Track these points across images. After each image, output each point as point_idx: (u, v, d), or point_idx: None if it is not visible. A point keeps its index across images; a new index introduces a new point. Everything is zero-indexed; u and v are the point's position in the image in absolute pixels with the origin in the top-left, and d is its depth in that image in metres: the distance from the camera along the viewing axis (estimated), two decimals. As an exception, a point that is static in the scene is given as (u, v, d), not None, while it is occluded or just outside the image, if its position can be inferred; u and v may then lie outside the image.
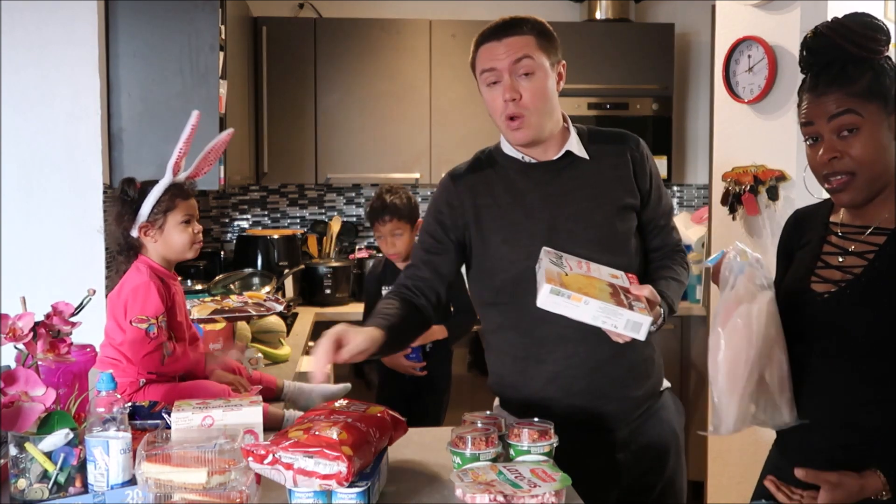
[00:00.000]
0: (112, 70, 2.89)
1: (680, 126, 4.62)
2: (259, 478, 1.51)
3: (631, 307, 1.64)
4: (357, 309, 3.79)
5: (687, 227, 4.21)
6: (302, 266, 4.06)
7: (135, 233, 2.07)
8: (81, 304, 1.79)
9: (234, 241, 4.29)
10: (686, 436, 2.08)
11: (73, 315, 1.72)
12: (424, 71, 4.19)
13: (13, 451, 1.49)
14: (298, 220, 4.54)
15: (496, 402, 2.03)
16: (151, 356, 2.00)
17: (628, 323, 1.62)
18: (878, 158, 1.49)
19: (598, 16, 4.34)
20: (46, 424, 1.53)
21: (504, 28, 1.82)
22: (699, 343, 3.99)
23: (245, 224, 4.52)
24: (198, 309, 2.62)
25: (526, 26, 1.83)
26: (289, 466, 1.43)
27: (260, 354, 2.68)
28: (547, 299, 1.63)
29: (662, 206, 1.96)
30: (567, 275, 1.69)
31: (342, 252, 4.46)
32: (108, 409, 1.49)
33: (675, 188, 4.70)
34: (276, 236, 4.12)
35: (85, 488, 1.51)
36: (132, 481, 1.48)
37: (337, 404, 1.66)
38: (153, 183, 2.08)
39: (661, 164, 4.23)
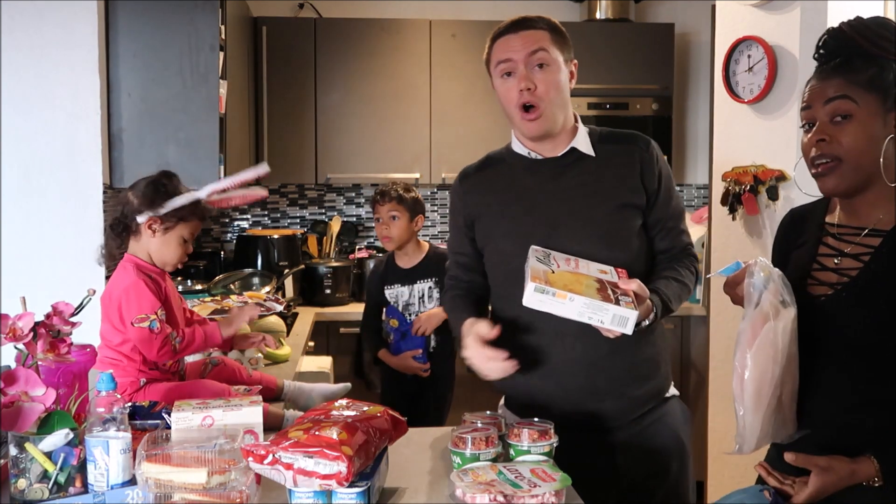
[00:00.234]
0: (112, 70, 2.89)
1: (680, 126, 4.62)
2: (259, 478, 1.51)
3: (618, 301, 1.64)
4: (357, 309, 3.78)
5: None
6: (302, 266, 4.06)
7: (142, 219, 2.05)
8: (81, 304, 1.79)
9: (234, 241, 4.29)
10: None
11: (73, 315, 1.72)
12: (424, 71, 4.19)
13: (13, 451, 1.49)
14: (298, 220, 4.54)
15: (501, 401, 2.04)
16: (164, 349, 2.01)
17: (614, 317, 1.63)
18: (867, 149, 1.49)
19: (598, 16, 4.34)
20: (46, 424, 1.53)
21: (520, 23, 1.89)
22: (699, 343, 3.98)
23: (245, 224, 4.52)
24: (198, 309, 2.62)
25: (541, 23, 1.90)
26: (289, 466, 1.43)
27: (260, 354, 2.68)
28: (532, 297, 1.64)
29: (672, 207, 1.96)
30: (553, 272, 1.70)
31: (342, 252, 4.46)
32: (108, 409, 1.49)
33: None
34: (276, 236, 4.12)
35: (85, 488, 1.51)
36: (132, 481, 1.48)
37: (337, 404, 1.66)
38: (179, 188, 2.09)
39: (661, 163, 4.21)
